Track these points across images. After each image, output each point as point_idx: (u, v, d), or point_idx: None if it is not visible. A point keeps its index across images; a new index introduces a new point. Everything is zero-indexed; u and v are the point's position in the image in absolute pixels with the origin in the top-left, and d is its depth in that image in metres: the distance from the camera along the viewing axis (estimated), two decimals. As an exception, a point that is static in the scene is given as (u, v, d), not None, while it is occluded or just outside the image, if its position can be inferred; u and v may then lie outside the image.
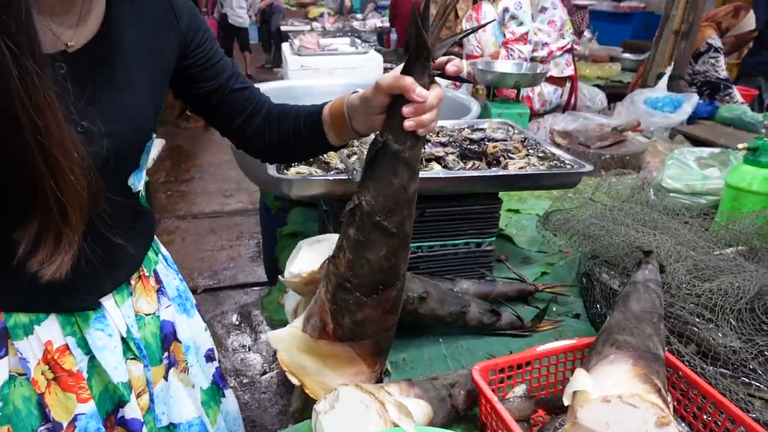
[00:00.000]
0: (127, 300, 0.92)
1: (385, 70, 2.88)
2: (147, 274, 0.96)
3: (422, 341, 1.07)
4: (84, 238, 0.76)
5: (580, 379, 0.73)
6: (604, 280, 1.13)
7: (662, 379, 0.75)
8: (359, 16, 8.27)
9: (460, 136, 1.40)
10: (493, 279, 1.23)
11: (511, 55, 2.61)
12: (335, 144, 0.95)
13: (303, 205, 1.66)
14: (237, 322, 2.87)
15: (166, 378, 0.98)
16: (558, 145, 2.10)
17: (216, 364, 1.11)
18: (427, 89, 0.76)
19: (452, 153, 1.27)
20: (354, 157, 1.19)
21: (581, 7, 5.08)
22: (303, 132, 0.95)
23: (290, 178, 1.05)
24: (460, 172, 1.17)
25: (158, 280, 1.00)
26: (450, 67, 0.78)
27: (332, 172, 1.12)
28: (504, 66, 2.39)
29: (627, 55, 4.49)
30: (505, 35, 2.68)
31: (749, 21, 3.14)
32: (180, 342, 1.01)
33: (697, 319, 0.96)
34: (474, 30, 2.58)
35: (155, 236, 1.02)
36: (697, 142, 2.34)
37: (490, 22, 2.64)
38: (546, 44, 2.69)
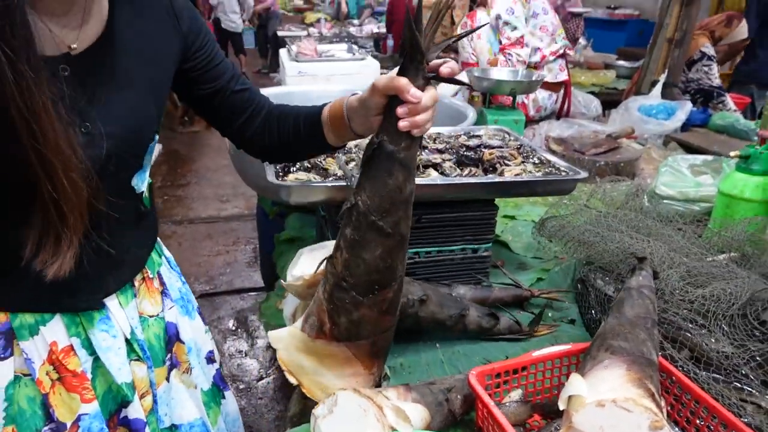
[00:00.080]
0: (132, 301, 0.92)
1: (382, 76, 2.89)
2: (151, 276, 0.97)
3: (419, 346, 1.08)
4: (88, 238, 0.78)
5: (575, 384, 0.74)
6: (598, 286, 1.15)
7: (656, 384, 0.76)
8: (356, 21, 8.31)
9: (457, 143, 1.41)
10: (489, 284, 1.25)
11: (509, 59, 2.63)
12: (334, 144, 0.96)
13: (301, 211, 1.67)
14: (233, 328, 2.87)
15: (168, 379, 0.99)
16: (553, 152, 2.12)
17: (216, 366, 1.12)
18: (422, 91, 0.77)
19: (449, 160, 1.28)
20: (352, 164, 1.20)
21: (576, 15, 5.13)
22: (303, 132, 0.97)
23: (289, 185, 1.06)
24: (457, 179, 1.18)
25: (162, 282, 1.01)
26: (444, 69, 0.79)
27: (331, 179, 1.13)
28: (500, 73, 2.41)
29: (622, 63, 4.52)
30: (501, 41, 2.70)
31: (742, 30, 3.18)
32: (183, 343, 1.02)
33: (690, 325, 0.97)
34: (468, 33, 2.60)
35: (158, 238, 1.03)
36: (690, 149, 2.37)
37: (483, 26, 2.65)
38: (538, 49, 2.71)
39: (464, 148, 1.37)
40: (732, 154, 1.39)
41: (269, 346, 2.67)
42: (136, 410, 0.90)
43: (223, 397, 1.12)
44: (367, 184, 0.80)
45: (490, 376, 0.87)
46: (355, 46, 3.41)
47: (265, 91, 2.11)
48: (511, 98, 2.29)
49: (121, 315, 0.90)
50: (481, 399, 0.80)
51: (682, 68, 3.07)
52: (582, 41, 5.21)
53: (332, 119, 0.92)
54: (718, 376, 0.90)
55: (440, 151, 1.34)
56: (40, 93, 0.63)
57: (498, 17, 2.65)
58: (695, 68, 3.11)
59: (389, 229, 0.80)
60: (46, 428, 0.84)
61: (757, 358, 0.90)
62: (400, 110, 0.77)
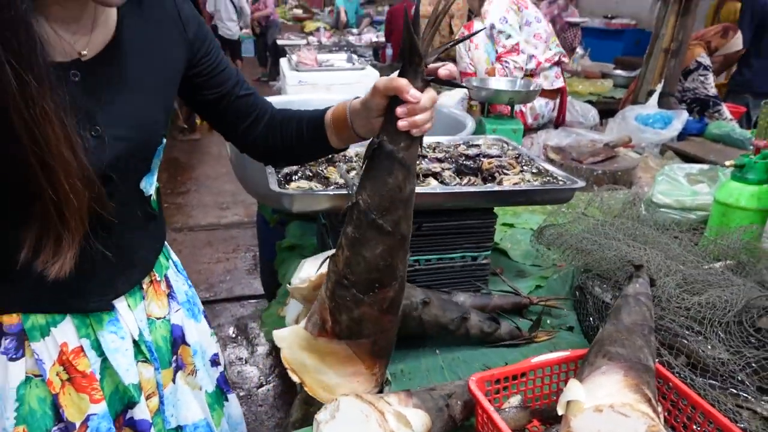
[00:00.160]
0: (140, 303, 0.94)
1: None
2: (158, 279, 0.99)
3: (420, 353, 1.09)
4: (99, 240, 0.80)
5: (573, 390, 0.76)
6: (596, 294, 1.16)
7: (652, 390, 0.77)
8: (355, 30, 8.35)
9: (456, 152, 1.43)
10: (488, 292, 1.26)
11: (506, 67, 2.66)
12: (336, 147, 0.99)
13: (302, 219, 1.68)
14: (233, 335, 2.88)
15: (174, 381, 1.00)
16: (551, 161, 2.14)
17: (220, 368, 1.13)
18: (421, 92, 0.80)
19: (448, 169, 1.30)
20: (353, 172, 1.22)
21: (573, 24, 5.17)
22: (306, 135, 0.99)
23: (292, 193, 1.08)
24: (457, 188, 1.20)
25: (169, 285, 1.03)
26: (442, 71, 0.82)
27: (332, 187, 1.14)
28: (498, 83, 2.44)
29: (619, 72, 4.56)
30: (497, 51, 2.73)
31: (737, 41, 3.21)
32: (188, 345, 1.04)
33: (687, 332, 0.99)
34: (464, 39, 2.64)
35: (165, 242, 1.05)
36: (687, 158, 2.39)
37: (479, 31, 2.69)
38: (533, 56, 2.74)
39: (463, 158, 1.38)
40: (727, 163, 1.41)
41: (269, 354, 2.68)
42: (142, 411, 0.91)
43: (226, 399, 1.14)
44: (368, 183, 0.82)
45: (490, 382, 0.88)
46: (354, 56, 3.44)
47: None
48: (509, 107, 2.31)
49: (130, 317, 0.91)
50: (481, 404, 0.81)
51: (679, 78, 3.10)
52: (579, 50, 5.25)
53: (335, 122, 0.95)
54: (714, 382, 0.92)
55: (440, 161, 1.35)
56: (44, 101, 0.65)
57: (492, 27, 2.69)
58: (691, 77, 3.15)
59: (389, 228, 0.82)
60: (55, 428, 0.85)
61: (753, 365, 0.92)
62: (400, 110, 0.79)
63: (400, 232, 0.83)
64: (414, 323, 1.03)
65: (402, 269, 0.87)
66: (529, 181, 1.26)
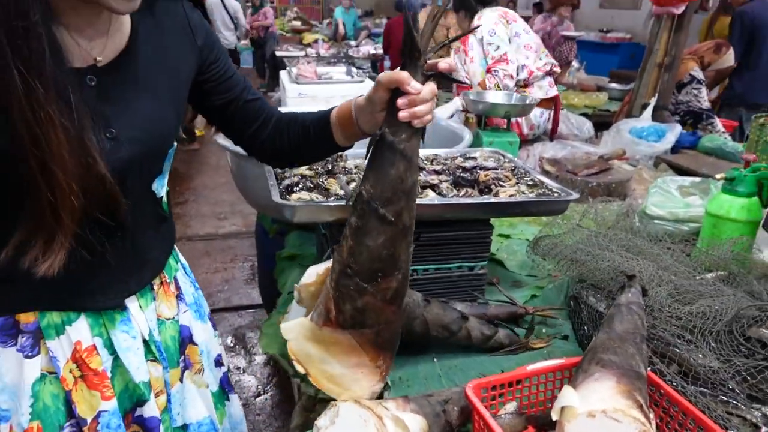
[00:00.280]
0: (151, 304, 0.97)
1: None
2: (168, 281, 1.02)
3: (418, 360, 1.11)
4: (113, 239, 0.84)
5: (567, 396, 0.78)
6: (590, 303, 1.18)
7: (644, 396, 0.79)
8: (353, 43, 8.42)
9: (454, 165, 1.46)
10: (485, 301, 1.28)
11: (495, 75, 2.71)
12: (342, 144, 1.02)
13: (301, 229, 1.70)
14: (231, 344, 2.89)
15: (181, 380, 1.03)
16: (547, 173, 2.17)
17: (224, 369, 1.16)
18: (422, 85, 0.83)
19: (446, 180, 1.32)
20: (353, 184, 1.24)
21: (569, 38, 5.24)
22: (312, 135, 1.02)
23: (294, 204, 1.10)
24: (454, 199, 1.23)
25: (177, 287, 1.05)
26: (441, 64, 0.86)
27: (332, 198, 1.17)
28: (495, 96, 2.48)
29: (614, 85, 4.61)
30: (487, 62, 2.80)
31: (729, 57, 3.28)
32: (196, 345, 1.06)
33: (679, 341, 1.01)
34: (463, 35, 2.70)
35: (175, 245, 1.08)
36: (680, 170, 2.42)
37: (477, 27, 2.74)
38: (525, 66, 2.80)
39: (460, 170, 1.41)
40: (718, 176, 1.43)
41: (267, 363, 2.69)
42: (151, 409, 0.93)
43: (228, 399, 1.17)
44: (371, 173, 0.85)
45: (486, 388, 0.90)
46: (353, 69, 3.49)
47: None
48: (505, 120, 2.35)
49: (141, 317, 0.94)
50: (477, 411, 0.83)
51: (672, 91, 3.15)
52: (575, 64, 5.31)
53: (340, 119, 0.98)
54: (705, 389, 0.94)
55: (437, 173, 1.38)
56: (49, 106, 0.68)
57: (481, 40, 2.76)
58: (685, 91, 3.20)
59: (391, 218, 0.84)
60: (67, 424, 0.87)
61: (743, 373, 0.94)
62: (400, 101, 0.82)
63: (403, 222, 0.85)
64: (418, 322, 1.05)
65: (405, 261, 0.88)
66: (524, 192, 1.29)
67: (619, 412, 0.73)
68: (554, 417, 0.78)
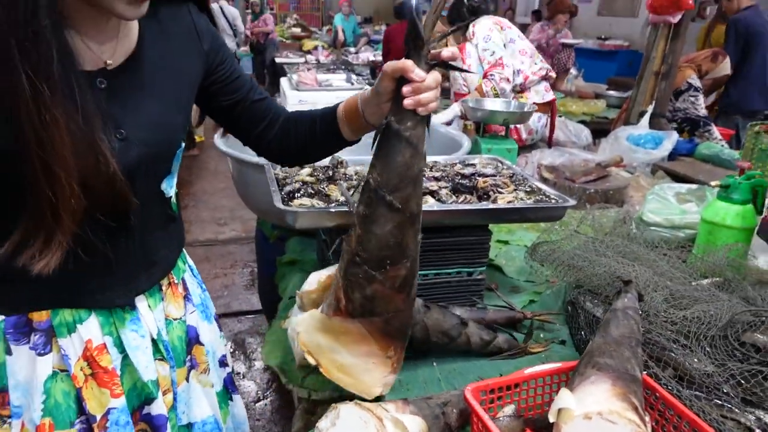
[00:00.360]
0: (159, 304, 0.99)
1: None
2: (176, 282, 1.04)
3: (418, 364, 1.13)
4: (124, 238, 0.87)
5: (564, 398, 0.79)
6: (587, 308, 1.20)
7: (639, 398, 0.81)
8: (352, 49, 8.46)
9: (453, 171, 1.48)
10: (484, 306, 1.30)
11: (492, 79, 2.75)
12: (349, 138, 1.03)
13: (302, 235, 1.72)
14: (231, 350, 2.89)
15: (187, 379, 1.05)
16: (545, 180, 2.19)
17: (228, 369, 1.18)
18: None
19: (445, 187, 1.34)
20: (353, 190, 1.26)
21: (567, 45, 5.28)
22: (319, 130, 1.04)
23: (295, 210, 1.12)
24: (453, 206, 1.24)
25: (185, 288, 1.07)
26: (445, 53, 0.85)
27: (333, 204, 1.19)
28: (493, 104, 2.50)
29: (612, 92, 4.64)
30: (483, 68, 2.84)
31: (725, 66, 3.32)
32: (202, 345, 1.08)
33: (674, 345, 1.02)
34: (463, 25, 2.74)
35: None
36: (677, 177, 2.44)
37: (473, 20, 2.78)
38: (520, 71, 2.84)
39: (459, 176, 1.43)
40: (713, 183, 1.45)
41: (267, 368, 2.70)
42: (159, 407, 0.95)
43: (231, 399, 1.18)
44: (377, 162, 0.86)
45: (485, 391, 0.91)
46: (353, 76, 3.52)
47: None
48: (504, 128, 2.37)
49: (150, 317, 0.96)
50: (476, 413, 0.85)
51: (669, 99, 3.18)
52: (573, 71, 5.35)
53: (347, 113, 1.00)
54: (700, 393, 0.95)
55: (437, 179, 1.40)
56: (55, 109, 0.70)
57: (476, 47, 2.80)
58: (682, 98, 3.23)
59: (399, 205, 0.84)
60: (78, 421, 0.89)
61: (737, 377, 0.95)
62: (405, 89, 0.83)
63: (410, 210, 0.86)
64: (418, 327, 1.07)
65: (413, 248, 0.89)
66: (522, 199, 1.31)
67: (614, 413, 0.75)
68: (551, 419, 0.79)
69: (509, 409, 0.92)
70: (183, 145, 0.96)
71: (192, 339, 1.07)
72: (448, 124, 2.67)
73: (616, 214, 1.70)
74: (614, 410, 0.75)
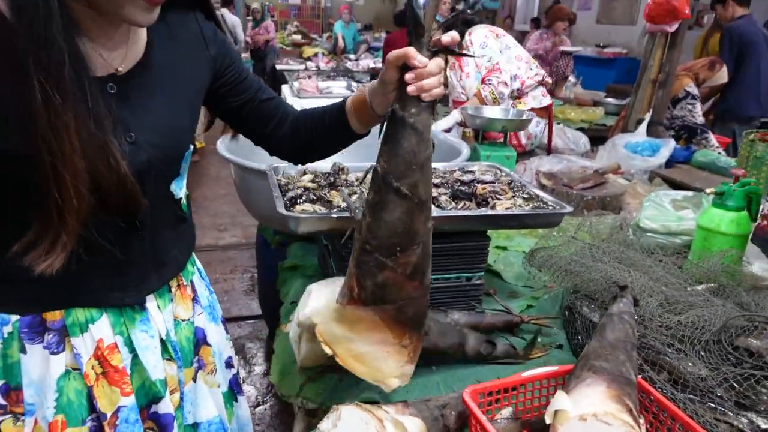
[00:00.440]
0: (168, 305, 1.01)
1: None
2: (185, 284, 1.07)
3: (417, 368, 1.14)
4: (135, 238, 0.90)
5: (560, 400, 0.81)
6: (584, 313, 1.22)
7: (633, 401, 0.83)
8: (352, 56, 8.51)
9: (452, 178, 1.50)
10: (482, 311, 1.32)
11: (490, 84, 2.79)
12: (358, 131, 1.05)
13: (303, 240, 1.74)
14: (230, 355, 2.90)
15: (194, 380, 1.07)
16: (543, 186, 2.21)
17: (234, 371, 1.20)
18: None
19: (444, 193, 1.36)
20: (355, 196, 1.28)
21: (566, 53, 5.32)
22: (329, 125, 1.07)
23: (298, 216, 1.14)
24: (452, 212, 1.26)
25: (194, 290, 1.09)
26: (444, 38, 0.86)
27: (335, 210, 1.21)
28: (492, 111, 2.53)
29: (610, 100, 4.68)
30: (481, 74, 2.88)
31: (723, 74, 3.36)
32: (210, 346, 1.10)
33: (669, 349, 1.04)
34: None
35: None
36: (674, 184, 2.46)
37: (466, 30, 2.82)
38: (516, 76, 2.89)
39: (458, 183, 1.45)
40: (708, 191, 1.47)
41: (266, 374, 2.71)
42: (166, 406, 0.97)
43: (236, 401, 1.20)
44: (385, 149, 0.87)
45: (483, 394, 0.93)
46: (353, 83, 3.55)
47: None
48: (502, 135, 2.40)
49: (159, 317, 0.98)
50: (474, 415, 0.86)
51: (667, 106, 3.22)
52: (572, 79, 5.39)
53: (355, 105, 1.02)
54: (694, 396, 0.96)
55: (436, 186, 1.42)
56: (65, 114, 0.72)
57: (473, 53, 2.85)
58: (680, 106, 3.27)
59: (406, 191, 0.85)
60: (89, 418, 0.91)
61: (730, 381, 0.97)
62: (408, 76, 0.85)
63: (418, 196, 0.86)
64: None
65: (423, 235, 0.89)
66: (520, 205, 1.33)
67: (609, 415, 0.77)
68: (548, 420, 0.81)
69: (507, 412, 0.94)
70: (191, 147, 0.99)
71: (200, 340, 1.09)
72: (448, 131, 2.70)
73: (614, 220, 1.72)
74: (609, 412, 0.77)
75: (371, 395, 1.03)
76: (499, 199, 1.35)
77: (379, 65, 7.03)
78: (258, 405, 2.55)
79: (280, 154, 1.16)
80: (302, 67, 6.87)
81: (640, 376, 0.95)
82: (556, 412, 0.80)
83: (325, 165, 1.45)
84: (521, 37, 8.24)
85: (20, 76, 0.70)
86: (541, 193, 1.40)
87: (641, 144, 2.76)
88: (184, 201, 1.03)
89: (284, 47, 10.01)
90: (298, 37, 10.87)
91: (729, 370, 0.97)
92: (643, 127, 2.98)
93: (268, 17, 10.11)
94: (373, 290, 0.88)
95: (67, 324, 0.90)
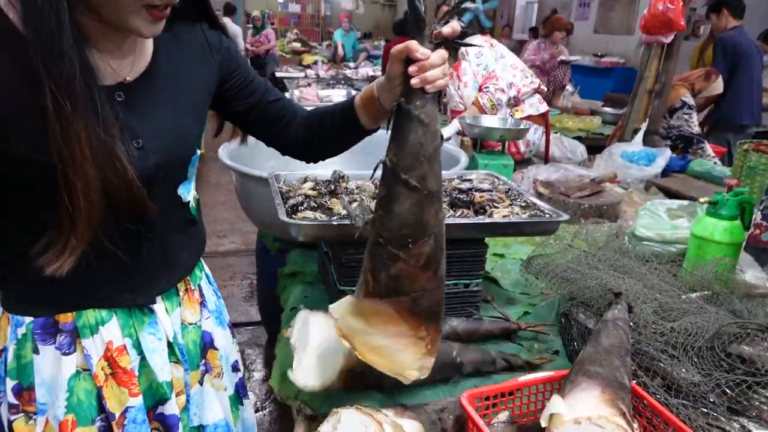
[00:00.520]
0: (176, 309, 1.04)
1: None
2: (192, 288, 1.09)
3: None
4: (145, 240, 0.92)
5: (555, 404, 0.83)
6: (580, 320, 1.24)
7: (627, 405, 0.85)
8: (352, 64, 8.57)
9: (450, 186, 1.52)
10: (480, 317, 1.34)
11: (487, 91, 2.84)
12: (368, 127, 1.08)
13: (303, 247, 1.76)
14: (229, 361, 2.91)
15: (201, 383, 1.09)
16: (540, 194, 2.24)
17: (239, 375, 1.22)
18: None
19: (443, 201, 1.39)
20: (354, 204, 1.30)
21: (564, 62, 5.36)
22: (339, 122, 1.09)
23: (300, 223, 1.16)
24: (450, 220, 1.28)
25: (201, 294, 1.12)
26: (445, 29, 0.88)
27: (335, 218, 1.23)
28: (490, 121, 2.56)
29: (607, 109, 4.70)
30: (478, 82, 2.93)
31: (718, 85, 3.40)
32: (217, 349, 1.13)
33: (663, 355, 1.06)
34: (454, 48, 2.82)
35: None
36: (669, 193, 2.49)
37: (460, 44, 2.87)
38: (512, 84, 2.93)
39: (457, 191, 1.47)
40: (702, 200, 1.50)
41: (265, 379, 2.72)
42: (172, 407, 0.99)
43: (242, 404, 1.22)
44: (393, 143, 0.88)
45: (480, 398, 0.95)
46: (353, 91, 3.58)
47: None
48: (500, 144, 2.43)
49: (167, 321, 1.01)
50: (472, 419, 0.88)
51: (663, 116, 3.25)
52: (569, 88, 5.43)
53: (364, 101, 1.04)
54: (687, 402, 0.98)
55: (435, 194, 1.44)
56: (76, 123, 0.75)
57: (470, 63, 2.92)
58: (676, 116, 3.30)
59: (415, 183, 0.86)
60: (98, 418, 0.94)
61: (723, 387, 0.99)
62: (411, 68, 0.86)
63: (428, 188, 0.87)
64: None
65: (435, 226, 0.89)
66: (517, 214, 1.35)
67: (603, 418, 0.79)
68: (543, 424, 0.83)
69: (503, 416, 0.96)
70: (198, 152, 1.02)
71: (207, 343, 1.11)
72: (448, 140, 2.72)
73: (610, 228, 1.74)
74: (603, 415, 0.79)
75: (371, 403, 1.04)
76: (496, 207, 1.37)
77: (379, 73, 7.08)
78: (257, 410, 2.55)
79: (292, 153, 1.18)
80: (302, 74, 6.91)
81: (635, 381, 0.97)
82: (551, 415, 0.82)
83: (325, 173, 1.47)
84: (519, 46, 8.32)
85: (34, 87, 0.73)
86: (538, 202, 1.42)
87: (638, 153, 2.79)
88: (192, 204, 1.06)
89: (284, 55, 10.07)
90: (297, 45, 10.93)
91: (721, 376, 1.00)
92: (640, 136, 3.01)
93: (268, 25, 10.17)
94: (387, 283, 0.89)
95: (78, 326, 0.92)
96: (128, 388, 0.95)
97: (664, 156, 2.72)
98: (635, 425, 0.85)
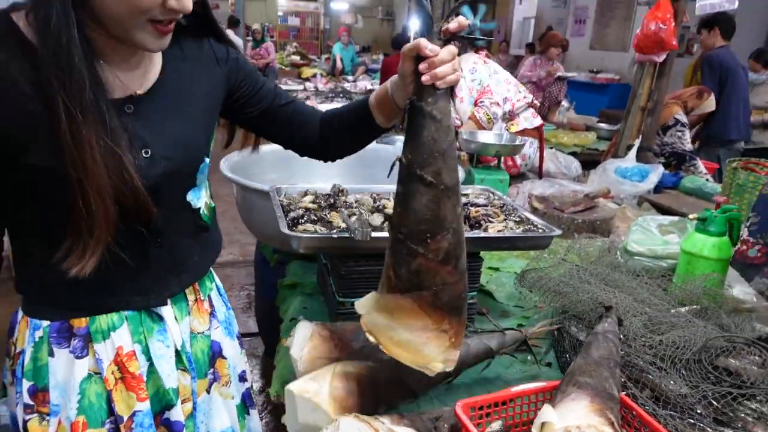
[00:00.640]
0: (185, 318, 1.07)
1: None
2: (202, 298, 1.12)
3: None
4: (154, 244, 0.96)
5: (546, 413, 0.86)
6: (572, 333, 1.27)
7: (616, 415, 0.88)
8: (350, 78, 8.63)
9: (447, 201, 1.56)
10: (475, 330, 1.37)
11: (483, 105, 2.90)
12: (382, 125, 1.10)
13: (302, 258, 1.79)
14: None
15: (208, 391, 1.11)
16: (535, 209, 2.28)
17: (247, 384, 1.24)
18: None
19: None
20: (354, 218, 1.34)
21: (559, 78, 5.44)
22: (354, 122, 1.12)
23: (301, 236, 1.19)
24: (447, 234, 1.32)
25: (211, 305, 1.15)
26: (451, 25, 0.90)
27: (335, 231, 1.26)
28: (487, 136, 2.61)
29: (602, 125, 4.77)
30: (473, 97, 2.99)
31: (710, 103, 3.47)
32: (225, 359, 1.15)
33: (651, 368, 1.10)
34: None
35: (212, 269, 1.18)
36: (662, 209, 2.53)
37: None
38: (507, 99, 3.00)
39: (453, 206, 1.51)
40: (691, 216, 1.53)
41: (262, 390, 2.73)
42: (177, 414, 1.02)
43: (248, 413, 1.24)
44: (408, 140, 0.90)
45: (474, 408, 0.97)
46: (351, 105, 3.62)
47: (266, 148, 2.26)
48: (496, 159, 2.47)
49: (176, 329, 1.04)
50: (466, 428, 0.91)
51: (657, 133, 3.31)
52: (565, 103, 5.50)
53: (378, 100, 1.07)
54: (674, 413, 1.01)
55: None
56: (87, 132, 0.79)
57: (465, 79, 3.00)
58: (669, 133, 3.36)
59: (431, 179, 0.87)
60: (108, 421, 0.97)
61: (709, 398, 1.02)
62: (422, 66, 0.88)
63: (443, 183, 0.88)
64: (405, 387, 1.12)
65: (452, 221, 0.90)
66: (512, 228, 1.39)
67: (592, 427, 0.82)
68: (534, 432, 0.86)
69: (497, 425, 0.99)
70: (207, 159, 1.05)
71: (215, 353, 1.14)
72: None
73: (602, 243, 1.78)
74: (592, 424, 0.82)
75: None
76: (491, 222, 1.41)
77: (377, 87, 7.13)
78: (253, 422, 2.56)
79: (308, 153, 1.21)
80: (301, 87, 6.97)
81: (624, 393, 1.00)
82: (542, 424, 0.85)
83: (325, 186, 1.51)
84: (516, 62, 8.41)
85: (48, 99, 0.78)
86: (532, 217, 1.46)
87: (631, 169, 2.84)
88: (204, 211, 1.08)
89: (283, 67, 10.14)
90: (296, 58, 11.01)
91: (708, 388, 1.02)
92: (633, 152, 3.07)
93: (267, 38, 10.26)
94: (408, 278, 0.90)
95: (91, 330, 0.96)
96: (136, 392, 0.98)
97: (656, 172, 2.77)
98: (624, 434, 0.88)
